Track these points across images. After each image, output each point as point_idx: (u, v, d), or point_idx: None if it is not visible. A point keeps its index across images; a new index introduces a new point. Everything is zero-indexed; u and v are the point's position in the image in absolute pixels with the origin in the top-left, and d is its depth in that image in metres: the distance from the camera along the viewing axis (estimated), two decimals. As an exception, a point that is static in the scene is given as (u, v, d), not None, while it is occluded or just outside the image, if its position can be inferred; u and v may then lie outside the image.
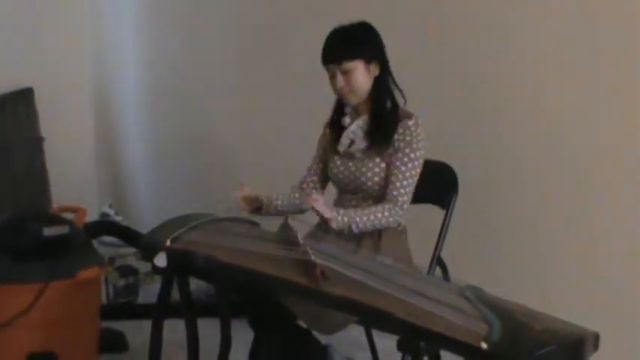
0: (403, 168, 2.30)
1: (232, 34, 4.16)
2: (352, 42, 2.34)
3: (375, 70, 2.36)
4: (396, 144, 2.32)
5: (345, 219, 2.21)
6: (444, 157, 2.55)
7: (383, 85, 2.38)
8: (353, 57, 2.31)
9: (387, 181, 2.34)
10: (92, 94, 5.21)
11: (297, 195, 2.53)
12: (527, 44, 2.82)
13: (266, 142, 3.92)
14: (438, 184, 2.49)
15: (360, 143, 2.38)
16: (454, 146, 2.90)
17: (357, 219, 2.22)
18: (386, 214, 2.26)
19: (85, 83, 5.16)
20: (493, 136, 2.95)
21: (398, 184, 2.30)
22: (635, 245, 2.58)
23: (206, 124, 4.40)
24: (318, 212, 2.18)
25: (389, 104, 2.38)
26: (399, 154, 2.31)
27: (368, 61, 2.34)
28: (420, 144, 2.32)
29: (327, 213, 2.18)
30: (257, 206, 2.46)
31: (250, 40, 4.01)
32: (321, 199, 2.21)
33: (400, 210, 2.29)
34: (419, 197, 2.42)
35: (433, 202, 2.52)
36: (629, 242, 2.59)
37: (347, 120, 2.42)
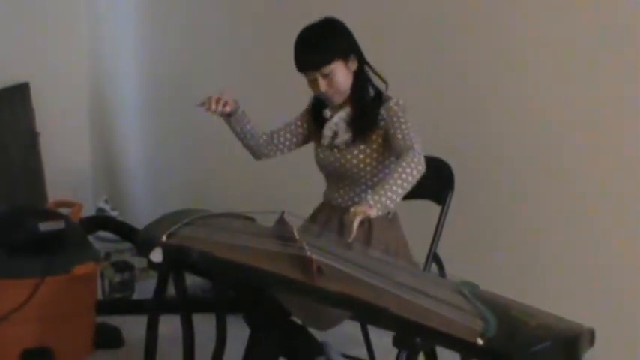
0: (403, 127, 2.22)
1: (233, 30, 4.16)
2: (326, 45, 2.29)
3: (353, 64, 2.32)
4: (382, 124, 2.30)
5: (379, 199, 2.01)
6: (441, 153, 2.55)
7: (363, 77, 2.35)
8: (331, 59, 2.27)
9: (377, 170, 2.33)
10: (88, 90, 5.20)
11: (264, 137, 2.51)
12: (525, 41, 2.83)
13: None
14: (434, 180, 2.48)
15: (344, 135, 2.35)
16: (450, 142, 2.90)
17: (390, 194, 2.01)
18: (412, 164, 2.08)
19: (82, 79, 5.17)
20: (489, 132, 2.95)
21: (400, 135, 2.20)
22: (635, 244, 2.58)
23: (203, 119, 4.38)
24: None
25: (372, 92, 2.36)
26: (390, 125, 2.25)
27: (346, 59, 2.30)
28: (406, 116, 2.25)
29: (366, 214, 1.98)
30: (228, 111, 2.40)
31: (250, 37, 4.01)
32: (351, 223, 1.98)
33: (419, 155, 2.12)
34: (415, 193, 2.42)
35: (429, 198, 2.52)
36: (628, 240, 2.60)
37: (328, 112, 2.40)
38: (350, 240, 1.98)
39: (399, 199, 2.05)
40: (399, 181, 2.04)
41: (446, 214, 2.49)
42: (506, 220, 2.92)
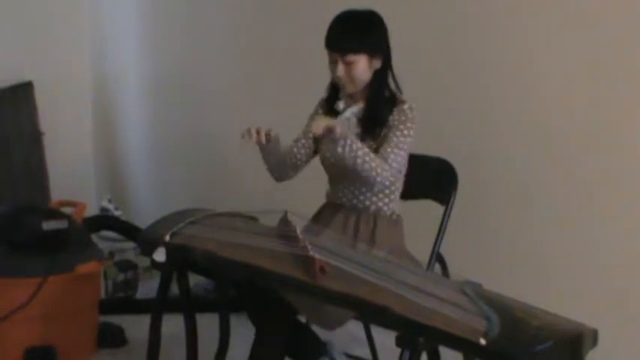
0: (396, 139, 2.28)
1: (235, 28, 4.16)
2: (359, 34, 2.30)
3: (377, 63, 2.34)
4: (391, 124, 2.32)
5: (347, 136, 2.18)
6: (444, 154, 2.55)
7: (382, 77, 2.36)
8: (358, 50, 2.29)
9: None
10: (92, 89, 5.21)
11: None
12: (531, 42, 2.82)
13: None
14: (437, 180, 2.48)
15: (354, 130, 2.36)
16: (454, 142, 2.90)
17: (354, 146, 2.18)
18: (376, 161, 2.22)
19: (85, 78, 5.16)
20: (493, 132, 2.95)
21: (389, 149, 2.27)
22: (637, 244, 2.58)
23: (206, 118, 4.40)
24: (329, 132, 2.14)
25: (387, 93, 2.37)
26: (394, 129, 2.30)
27: (372, 55, 2.32)
28: (414, 125, 2.30)
29: (334, 129, 2.14)
30: (267, 139, 2.39)
31: (253, 36, 4.01)
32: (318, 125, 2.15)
33: (388, 168, 2.24)
34: (418, 193, 2.41)
35: (432, 198, 2.52)
36: (631, 239, 2.59)
37: (341, 105, 2.40)
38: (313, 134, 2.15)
39: (350, 155, 2.18)
40: (365, 157, 2.19)
41: (449, 213, 2.49)
42: (510, 220, 2.92)
